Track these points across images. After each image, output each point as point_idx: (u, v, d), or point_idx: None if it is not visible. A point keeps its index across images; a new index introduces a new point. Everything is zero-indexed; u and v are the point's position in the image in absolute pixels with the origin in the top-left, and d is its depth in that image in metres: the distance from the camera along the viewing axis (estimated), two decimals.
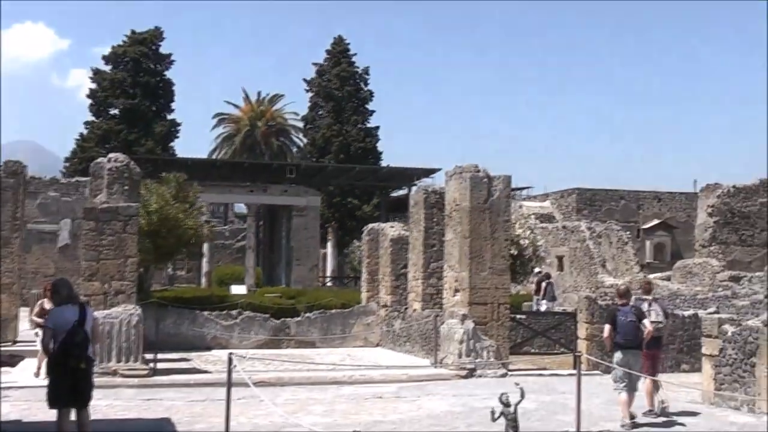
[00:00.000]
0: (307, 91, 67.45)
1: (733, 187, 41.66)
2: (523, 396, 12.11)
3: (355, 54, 66.26)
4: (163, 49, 64.80)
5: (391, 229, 29.23)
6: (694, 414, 16.04)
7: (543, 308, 30.54)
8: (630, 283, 34.49)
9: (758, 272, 34.88)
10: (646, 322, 15.29)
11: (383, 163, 62.72)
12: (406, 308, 26.80)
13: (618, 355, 15.05)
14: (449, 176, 23.31)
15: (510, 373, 20.90)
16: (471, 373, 20.69)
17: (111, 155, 22.03)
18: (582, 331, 22.74)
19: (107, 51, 64.33)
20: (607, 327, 15.43)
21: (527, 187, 58.85)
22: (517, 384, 12.42)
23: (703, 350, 17.79)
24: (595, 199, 51.08)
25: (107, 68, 63.31)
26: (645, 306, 15.96)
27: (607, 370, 17.89)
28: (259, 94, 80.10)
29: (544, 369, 21.96)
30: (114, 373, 18.95)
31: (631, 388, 14.95)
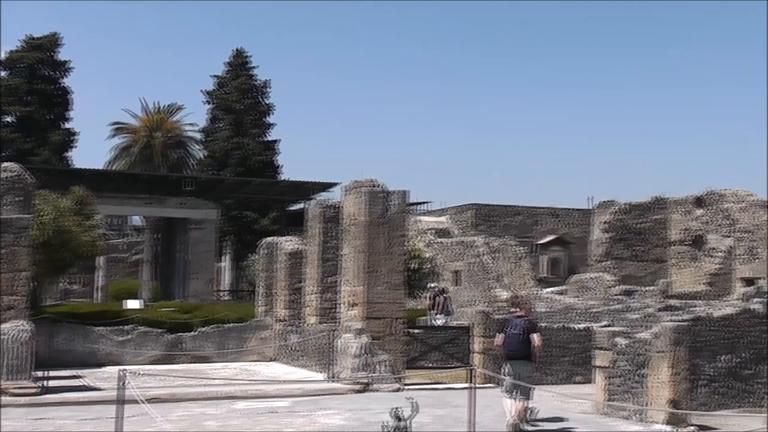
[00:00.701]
0: (207, 102, 66.70)
1: (627, 204, 42.49)
2: (415, 410, 12.09)
3: (256, 66, 65.83)
4: (62, 56, 63.32)
5: (288, 243, 29.03)
6: (584, 423, 16.26)
7: (438, 322, 30.66)
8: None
9: (650, 286, 35.66)
10: (536, 336, 15.51)
11: (283, 177, 62.35)
12: (302, 322, 26.64)
13: (506, 366, 15.49)
14: (346, 191, 23.27)
15: (405, 387, 20.90)
16: (366, 388, 20.65)
17: (4, 165, 21.27)
18: (476, 345, 22.89)
19: (2, 56, 62.68)
20: (499, 336, 15.77)
21: (425, 202, 59.16)
22: (409, 398, 12.40)
23: (596, 362, 18.09)
24: (492, 215, 51.56)
25: (2, 74, 61.66)
26: (513, 322, 16.04)
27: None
28: (157, 104, 78.92)
29: (440, 383, 22.01)
30: (2, 392, 18.32)
31: (523, 396, 15.21)
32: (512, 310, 16.14)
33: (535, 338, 15.47)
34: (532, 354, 15.53)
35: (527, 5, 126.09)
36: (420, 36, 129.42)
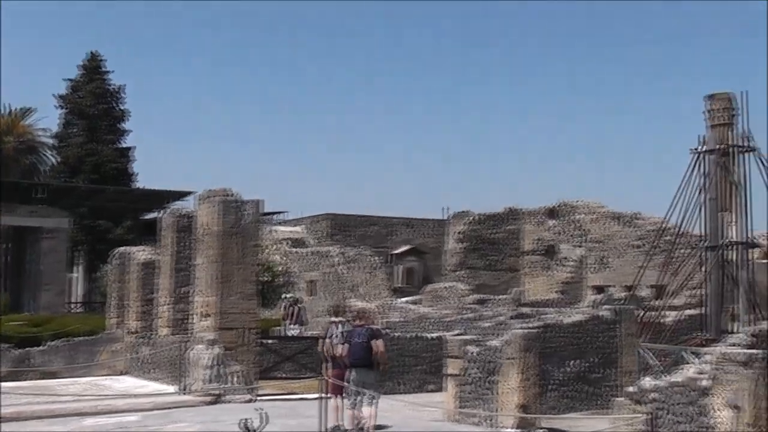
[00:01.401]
0: (60, 107, 64.71)
1: (482, 214, 43.20)
2: (265, 421, 11.97)
3: (111, 71, 64.24)
4: None
5: (141, 252, 28.44)
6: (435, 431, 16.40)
7: (293, 333, 30.53)
8: (380, 307, 35.13)
9: (503, 295, 36.33)
10: (379, 342, 15.76)
11: (138, 185, 61.06)
12: (154, 334, 26.11)
13: (351, 374, 15.64)
14: (200, 200, 22.97)
15: (258, 398, 20.68)
16: (218, 399, 20.39)
17: None
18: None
19: None
20: (344, 347, 15.90)
21: (281, 212, 58.76)
22: (258, 409, 12.29)
23: (447, 370, 18.29)
24: (347, 225, 51.63)
25: None
26: (335, 329, 16.41)
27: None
28: (8, 106, 76.17)
29: (293, 393, 21.86)
30: None
31: (368, 403, 15.38)
32: (355, 322, 16.27)
33: (378, 344, 15.72)
34: (376, 361, 15.76)
35: (374, 19, 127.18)
36: (275, 44, 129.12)
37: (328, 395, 15.86)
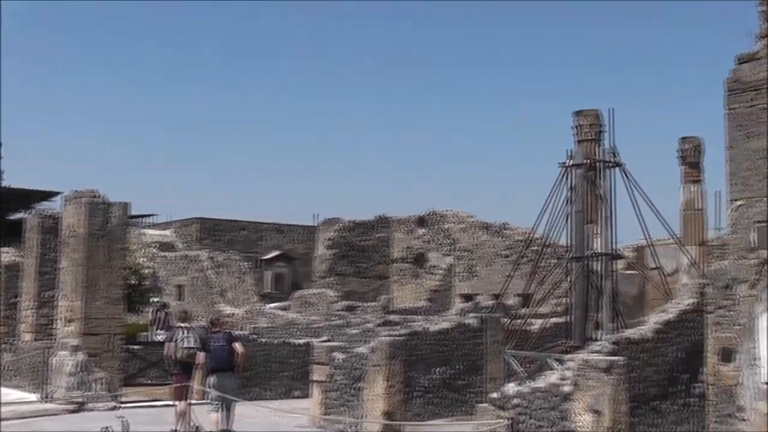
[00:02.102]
0: None
1: (352, 221, 43.28)
2: (126, 428, 11.69)
3: None
4: None
5: (4, 254, 27.52)
6: None
7: (160, 338, 29.92)
8: (248, 312, 34.80)
9: (372, 302, 36.40)
10: (237, 345, 15.86)
11: (4, 184, 59.09)
12: (16, 340, 25.24)
13: (212, 379, 15.60)
14: (67, 201, 22.39)
15: (122, 405, 20.24)
16: (81, 407, 19.86)
17: None
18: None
19: None
20: (201, 354, 15.87)
21: (150, 215, 57.65)
22: (120, 417, 12.01)
23: (313, 376, 18.21)
24: (217, 229, 50.98)
25: None
26: (181, 333, 16.37)
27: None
28: None
29: (158, 400, 21.41)
30: None
31: (226, 408, 15.44)
32: (213, 329, 16.35)
33: (238, 346, 15.84)
34: (237, 364, 15.85)
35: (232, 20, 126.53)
36: (148, 42, 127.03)
37: (173, 401, 15.98)
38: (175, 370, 16.38)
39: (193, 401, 16.48)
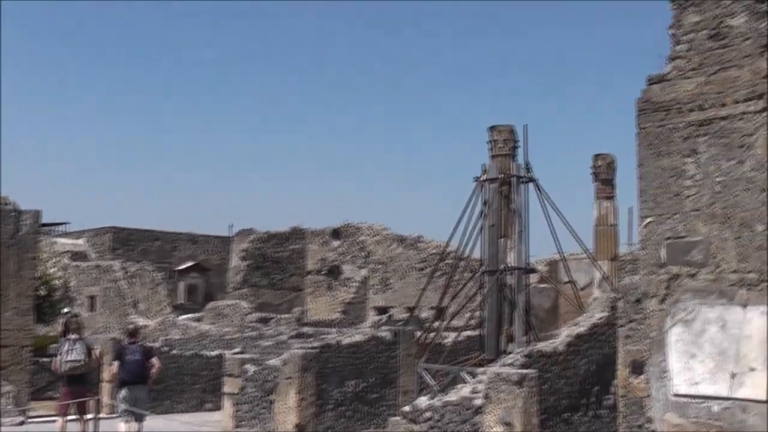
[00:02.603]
0: None
1: (267, 232, 43.07)
2: None
3: None
4: None
5: None
6: None
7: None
8: (161, 323, 34.34)
9: (286, 314, 36.23)
10: (154, 360, 15.91)
11: None
12: None
13: (124, 391, 15.52)
14: None
15: (30, 420, 19.77)
16: None
17: None
18: (106, 373, 22.06)
19: None
20: (115, 364, 15.79)
21: (63, 223, 56.61)
22: None
23: (225, 389, 18.05)
24: (130, 239, 50.25)
25: None
26: (66, 345, 16.06)
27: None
28: None
29: (66, 414, 20.96)
30: None
31: (137, 420, 15.42)
32: (130, 340, 16.27)
33: (155, 361, 15.90)
34: (150, 377, 15.86)
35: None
36: (52, 42, 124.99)
37: (57, 415, 15.84)
38: (62, 384, 16.25)
39: (102, 415, 16.27)
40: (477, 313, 26.03)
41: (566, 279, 27.92)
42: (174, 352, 23.37)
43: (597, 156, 28.12)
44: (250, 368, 17.54)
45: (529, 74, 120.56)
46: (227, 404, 17.82)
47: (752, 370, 8.33)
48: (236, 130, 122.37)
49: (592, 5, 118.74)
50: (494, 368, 13.81)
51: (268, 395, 16.94)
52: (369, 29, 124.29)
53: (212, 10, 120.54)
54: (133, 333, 16.57)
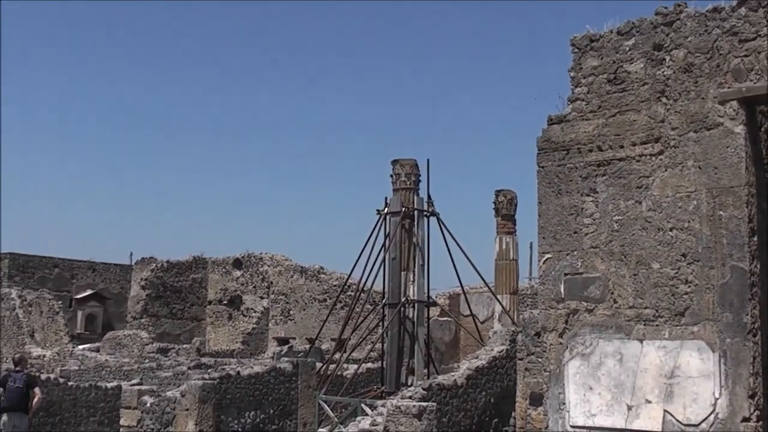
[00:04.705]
0: None
1: (167, 261, 42.59)
2: None
3: None
4: None
5: None
6: None
7: None
8: (58, 354, 33.61)
9: (186, 344, 35.79)
10: (36, 390, 16.11)
11: None
12: None
13: (4, 418, 15.68)
14: None
15: None
16: None
17: None
18: None
19: None
20: None
21: None
22: None
23: (122, 421, 17.78)
24: (28, 266, 49.06)
25: None
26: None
27: None
28: None
29: None
30: None
31: None
32: (15, 368, 16.38)
33: (37, 391, 16.09)
34: (31, 407, 16.03)
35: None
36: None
37: None
38: None
39: None
40: (378, 346, 26.11)
41: (467, 312, 28.23)
42: (70, 383, 22.83)
43: (498, 192, 28.52)
44: (148, 400, 17.30)
45: (435, 108, 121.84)
46: None
47: (648, 402, 8.57)
48: (137, 159, 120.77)
49: (496, 42, 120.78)
50: (394, 401, 13.86)
51: (166, 427, 16.71)
52: (275, 59, 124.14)
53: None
54: (19, 362, 16.66)
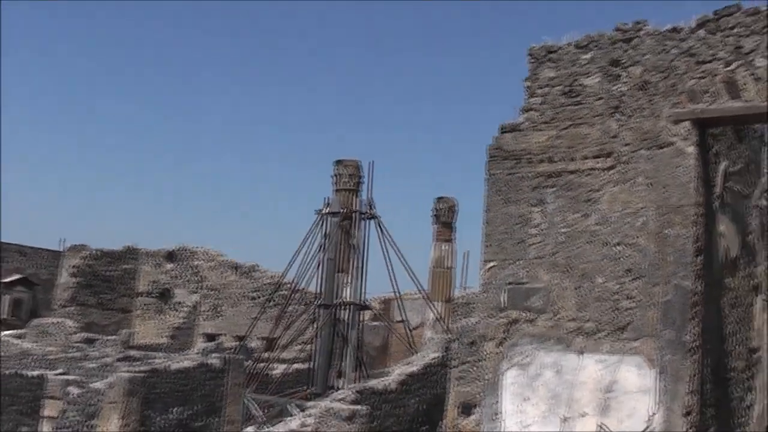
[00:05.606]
0: None
1: (99, 250, 41.91)
2: None
3: None
4: None
5: None
6: None
7: None
8: None
9: (113, 336, 35.22)
10: None
11: None
12: None
13: None
14: None
15: None
16: None
17: None
18: None
19: None
20: None
21: None
22: None
23: (45, 412, 17.41)
24: None
25: None
26: None
27: None
28: None
29: None
30: None
31: None
32: None
33: None
34: None
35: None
36: None
37: None
38: None
39: None
40: (308, 347, 25.94)
41: (399, 318, 28.17)
42: None
43: (439, 199, 28.55)
44: (73, 390, 16.95)
45: (383, 111, 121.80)
46: (46, 428, 17.18)
47: (583, 415, 8.59)
48: (74, 142, 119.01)
49: (448, 51, 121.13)
50: (325, 403, 13.79)
51: (90, 420, 16.39)
52: (220, 54, 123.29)
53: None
54: None
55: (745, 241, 9.84)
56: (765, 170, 10.53)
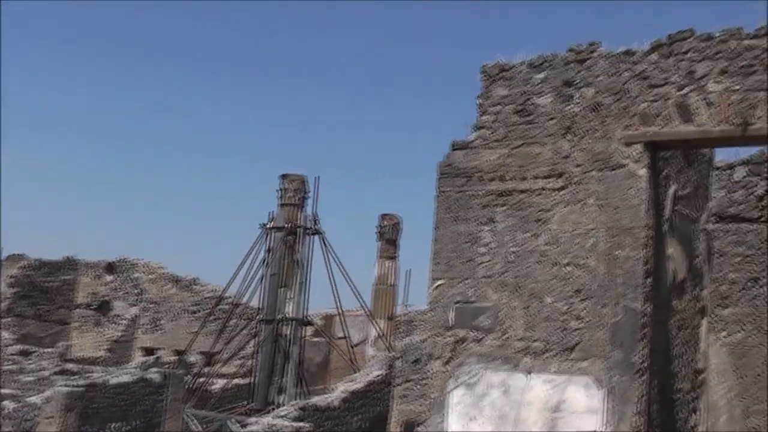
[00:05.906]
0: None
1: (38, 260, 41.29)
2: None
3: None
4: None
5: None
6: None
7: None
8: None
9: (50, 348, 34.67)
10: None
11: None
12: None
13: None
14: None
15: None
16: None
17: None
18: None
19: None
20: None
21: None
22: None
23: None
24: None
25: None
26: None
27: None
28: None
29: None
30: None
31: None
32: None
33: None
34: None
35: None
36: None
37: None
38: None
39: None
40: (249, 362, 25.74)
41: (341, 334, 28.07)
42: None
43: (384, 216, 28.55)
44: (9, 405, 16.62)
45: (331, 127, 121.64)
46: None
47: None
48: (9, 149, 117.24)
49: (400, 63, 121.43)
50: (268, 419, 13.67)
51: None
52: (166, 64, 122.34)
53: None
54: None
55: (692, 265, 9.92)
56: (712, 195, 10.65)
